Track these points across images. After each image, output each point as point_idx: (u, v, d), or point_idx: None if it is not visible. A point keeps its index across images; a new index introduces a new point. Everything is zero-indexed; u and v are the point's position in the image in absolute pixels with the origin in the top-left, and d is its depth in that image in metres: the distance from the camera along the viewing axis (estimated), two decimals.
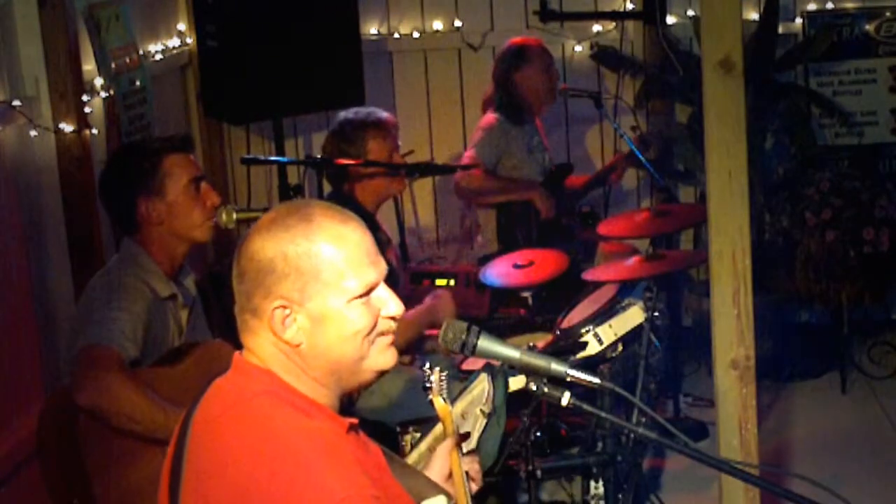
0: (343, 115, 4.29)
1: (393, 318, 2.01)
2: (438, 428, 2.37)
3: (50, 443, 3.03)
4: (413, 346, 4.11)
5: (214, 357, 3.13)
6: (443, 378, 2.30)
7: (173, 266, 3.32)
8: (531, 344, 3.78)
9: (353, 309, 1.94)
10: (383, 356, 2.00)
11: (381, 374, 2.03)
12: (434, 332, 4.29)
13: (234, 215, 3.47)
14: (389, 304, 2.00)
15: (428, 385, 2.30)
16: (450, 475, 2.23)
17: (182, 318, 3.35)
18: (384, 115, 4.28)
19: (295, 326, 1.93)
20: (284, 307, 1.92)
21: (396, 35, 6.07)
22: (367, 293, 1.96)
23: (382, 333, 2.00)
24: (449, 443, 2.24)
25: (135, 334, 3.07)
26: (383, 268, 2.00)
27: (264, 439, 1.86)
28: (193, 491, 1.91)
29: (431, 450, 2.34)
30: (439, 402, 2.29)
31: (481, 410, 2.77)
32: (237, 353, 2.02)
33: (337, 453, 1.87)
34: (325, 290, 1.93)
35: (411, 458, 2.43)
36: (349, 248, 1.95)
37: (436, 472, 2.23)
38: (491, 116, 5.37)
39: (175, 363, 3.15)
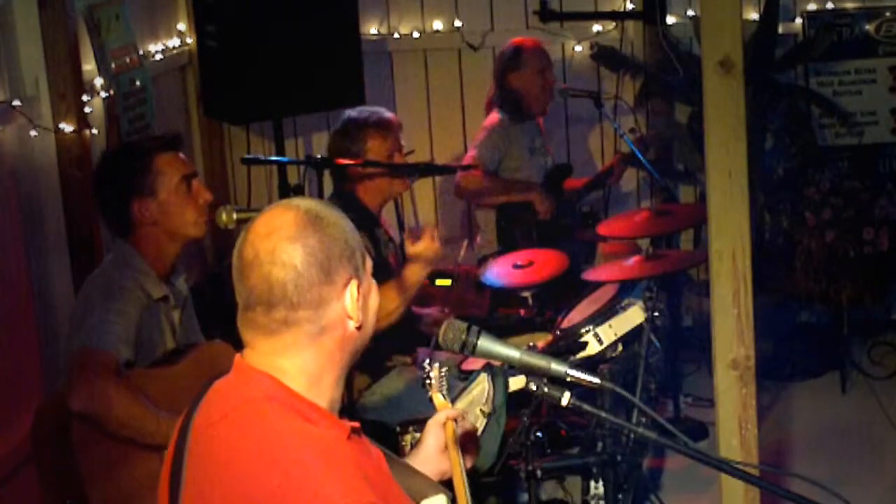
0: (348, 113, 4.30)
1: None
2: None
3: (45, 446, 3.03)
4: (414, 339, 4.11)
5: (213, 358, 3.13)
6: (442, 374, 2.30)
7: (165, 267, 3.32)
8: (531, 344, 3.78)
9: (374, 282, 2.04)
10: None
11: None
12: (421, 310, 4.30)
13: (234, 215, 3.47)
14: None
15: (428, 381, 2.31)
16: (444, 448, 2.25)
17: (175, 318, 3.35)
18: (388, 114, 4.27)
19: (358, 305, 1.97)
20: (357, 286, 1.96)
21: (396, 35, 6.07)
22: None
23: None
24: (442, 416, 2.26)
25: (128, 336, 3.07)
26: None
27: (265, 445, 1.85)
28: (193, 495, 1.90)
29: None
30: (439, 399, 2.30)
31: (481, 410, 2.77)
32: (238, 355, 2.00)
33: (337, 460, 1.86)
34: (364, 266, 2.01)
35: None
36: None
37: (430, 445, 2.25)
38: (494, 117, 5.38)
39: (173, 364, 3.15)
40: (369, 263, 2.02)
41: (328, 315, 1.94)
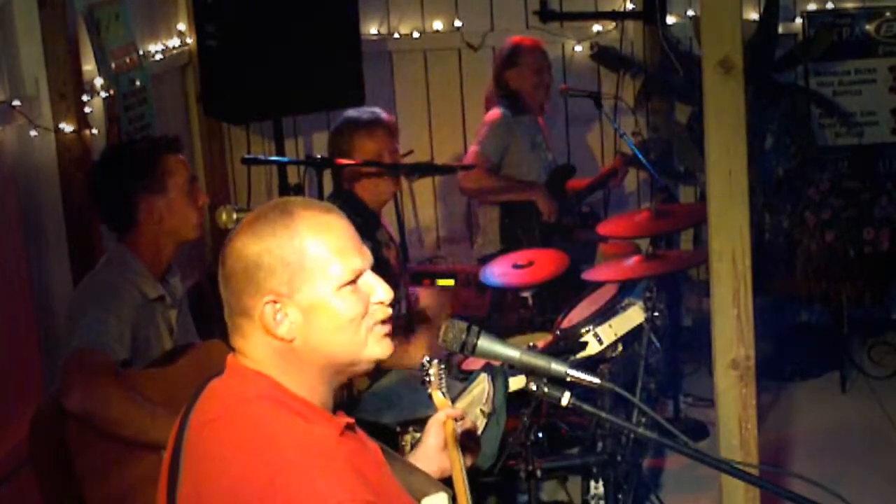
0: (347, 112, 4.32)
1: (383, 304, 2.00)
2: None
3: (41, 449, 3.02)
4: None
5: (210, 357, 3.13)
6: (441, 372, 2.30)
7: (161, 267, 3.33)
8: (531, 344, 3.78)
9: (343, 296, 1.94)
10: (379, 345, 2.00)
11: (376, 363, 2.03)
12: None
13: (234, 215, 3.49)
14: (378, 290, 2.00)
15: (427, 379, 2.30)
16: (444, 446, 2.24)
17: (172, 318, 3.36)
18: (381, 115, 4.28)
19: (287, 321, 1.92)
20: (275, 302, 1.91)
21: (396, 35, 6.08)
22: (355, 280, 1.96)
23: (379, 322, 1.99)
24: (442, 415, 2.26)
25: (122, 336, 3.07)
26: (369, 255, 2.01)
27: (259, 445, 1.86)
28: (190, 493, 1.91)
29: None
30: (438, 397, 2.30)
31: (481, 410, 2.77)
32: (231, 355, 2.01)
33: (331, 457, 1.86)
34: (312, 280, 1.92)
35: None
36: (332, 236, 1.95)
37: (430, 444, 2.25)
38: (496, 112, 5.40)
39: (170, 364, 3.15)
40: (327, 283, 1.93)
41: (257, 324, 1.93)
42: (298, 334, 1.93)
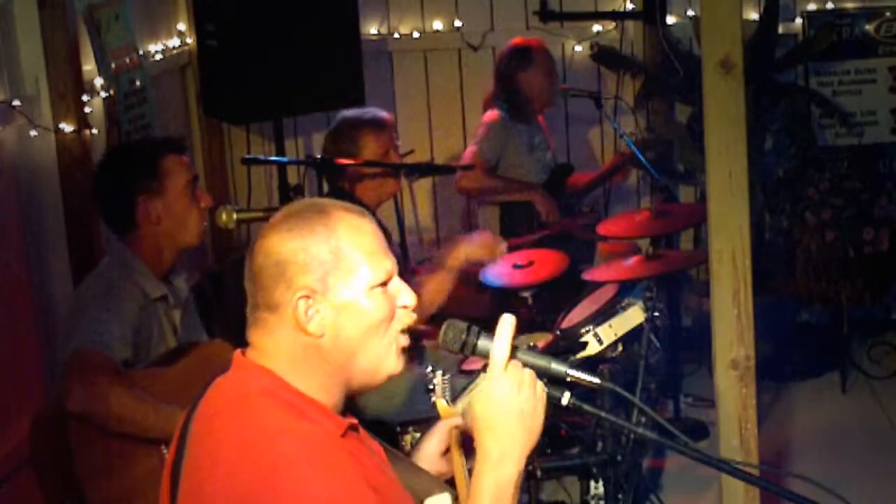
0: (342, 113, 4.32)
1: (408, 309, 2.02)
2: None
3: (42, 449, 3.03)
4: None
5: (213, 357, 3.13)
6: (446, 380, 2.30)
7: (162, 267, 3.32)
8: (531, 344, 3.78)
9: (374, 297, 1.97)
10: (398, 359, 2.03)
11: (387, 379, 2.05)
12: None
13: (234, 215, 3.48)
14: (403, 294, 2.02)
15: (431, 387, 2.31)
16: (445, 452, 2.25)
17: (175, 318, 3.35)
18: (382, 113, 4.28)
19: (318, 317, 1.94)
20: (307, 297, 1.93)
21: (396, 35, 6.08)
22: (386, 282, 1.99)
23: (401, 331, 2.01)
24: (447, 424, 2.26)
25: (124, 335, 3.06)
26: (394, 259, 2.03)
27: (258, 441, 1.86)
28: (189, 487, 1.92)
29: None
30: (442, 405, 2.30)
31: None
32: (238, 351, 2.02)
33: (325, 456, 1.87)
34: (346, 279, 1.95)
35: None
36: (366, 237, 1.99)
37: (432, 448, 2.26)
38: (494, 113, 5.39)
39: (172, 363, 3.15)
40: (359, 283, 1.96)
41: (285, 319, 1.95)
42: (328, 332, 1.95)
